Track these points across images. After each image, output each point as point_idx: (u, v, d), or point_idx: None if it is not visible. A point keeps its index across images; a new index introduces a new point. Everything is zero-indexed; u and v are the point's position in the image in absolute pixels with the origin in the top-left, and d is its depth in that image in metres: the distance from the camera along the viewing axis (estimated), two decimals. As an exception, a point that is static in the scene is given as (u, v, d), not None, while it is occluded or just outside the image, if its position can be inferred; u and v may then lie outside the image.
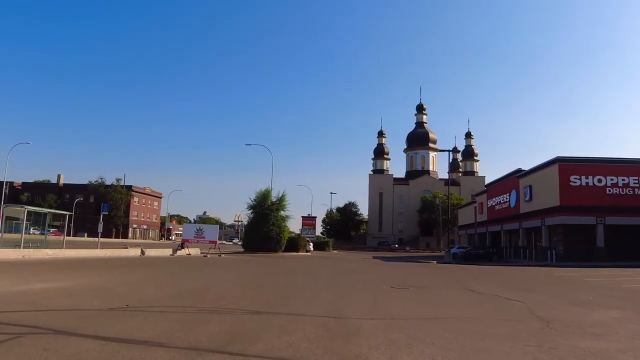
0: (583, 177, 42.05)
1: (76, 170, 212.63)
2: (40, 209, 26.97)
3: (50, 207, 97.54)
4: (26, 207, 23.57)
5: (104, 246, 32.62)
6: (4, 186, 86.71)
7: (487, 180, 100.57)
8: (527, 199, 48.98)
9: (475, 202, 70.81)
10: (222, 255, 35.19)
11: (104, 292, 11.08)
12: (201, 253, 35.90)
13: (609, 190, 41.83)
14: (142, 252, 28.47)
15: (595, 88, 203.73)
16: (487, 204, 63.35)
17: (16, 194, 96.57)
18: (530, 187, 48.40)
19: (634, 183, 41.91)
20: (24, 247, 22.14)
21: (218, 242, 39.32)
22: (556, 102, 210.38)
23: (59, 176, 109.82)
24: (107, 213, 38.36)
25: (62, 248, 24.73)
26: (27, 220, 24.55)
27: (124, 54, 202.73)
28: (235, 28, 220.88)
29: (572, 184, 41.94)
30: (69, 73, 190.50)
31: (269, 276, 18.99)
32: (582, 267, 31.89)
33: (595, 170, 42.32)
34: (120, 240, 69.52)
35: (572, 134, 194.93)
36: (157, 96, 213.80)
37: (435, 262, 40.14)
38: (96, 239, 57.12)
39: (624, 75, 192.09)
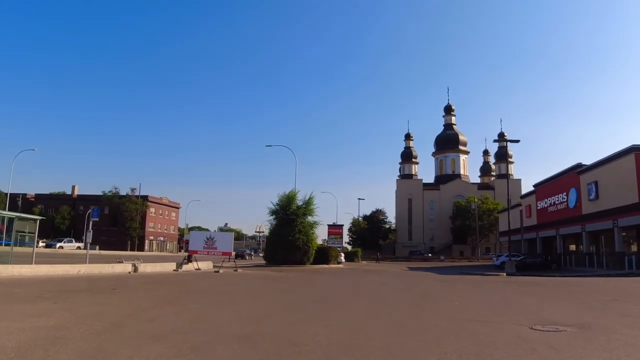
0: (666, 168, 35.15)
1: (92, 181, 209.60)
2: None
3: (64, 219, 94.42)
4: (-27, 209, 18.18)
5: (96, 260, 27.08)
6: (16, 198, 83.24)
7: (525, 184, 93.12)
8: (591, 197, 42.06)
9: (520, 204, 63.69)
10: (239, 270, 29.27)
11: None
12: (214, 267, 29.98)
13: (699, 183, 34.78)
14: (135, 268, 22.38)
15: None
16: (537, 206, 56.32)
17: (29, 205, 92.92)
18: (596, 183, 41.50)
19: None
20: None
21: (233, 253, 33.25)
22: (601, 104, 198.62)
23: (73, 187, 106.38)
24: (97, 219, 33.50)
25: (31, 263, 19.15)
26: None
27: (137, 60, 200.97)
28: (252, 30, 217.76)
29: (652, 176, 35.08)
30: (80, 80, 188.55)
31: (303, 309, 11.28)
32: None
33: (680, 159, 35.35)
34: (134, 253, 64.40)
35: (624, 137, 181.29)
36: (171, 104, 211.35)
37: (504, 274, 33.39)
38: (103, 252, 52.76)
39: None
